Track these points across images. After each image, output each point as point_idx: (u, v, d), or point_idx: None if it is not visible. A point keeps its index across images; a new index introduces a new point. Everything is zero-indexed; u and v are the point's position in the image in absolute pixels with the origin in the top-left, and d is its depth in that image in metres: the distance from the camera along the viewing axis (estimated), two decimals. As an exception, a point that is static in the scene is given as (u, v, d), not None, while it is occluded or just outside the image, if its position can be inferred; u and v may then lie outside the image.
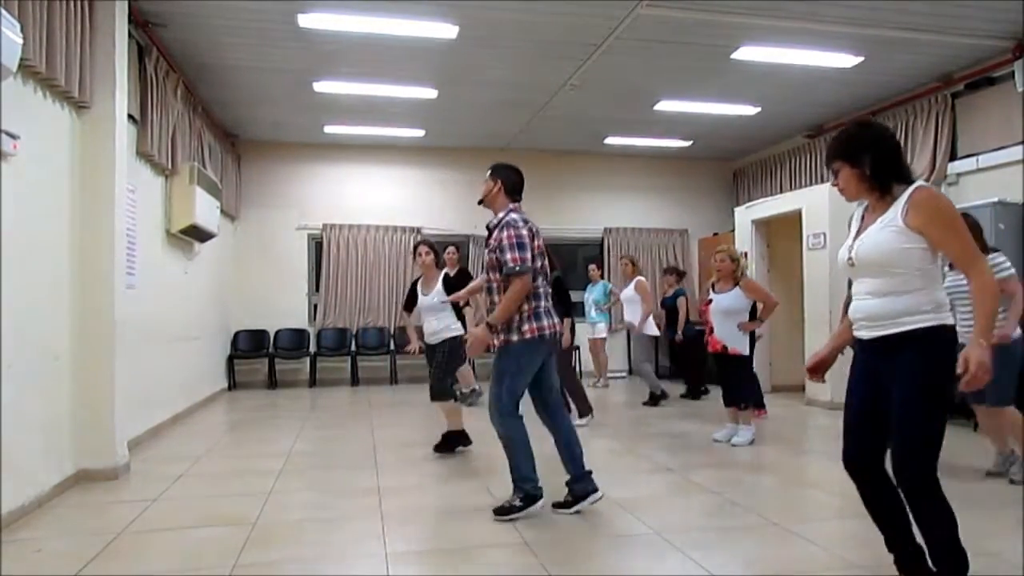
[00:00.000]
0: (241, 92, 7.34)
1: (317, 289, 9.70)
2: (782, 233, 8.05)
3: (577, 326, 9.54)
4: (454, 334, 4.98)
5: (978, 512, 3.54)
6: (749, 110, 8.14)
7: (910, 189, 2.20)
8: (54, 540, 3.23)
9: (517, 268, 3.35)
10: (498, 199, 3.61)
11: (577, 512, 3.55)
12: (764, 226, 8.25)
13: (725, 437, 5.33)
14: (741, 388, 5.35)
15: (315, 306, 9.68)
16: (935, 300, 2.21)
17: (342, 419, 6.80)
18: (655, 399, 7.28)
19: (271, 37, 5.87)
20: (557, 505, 3.59)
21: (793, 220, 7.48)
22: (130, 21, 4.84)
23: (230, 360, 9.08)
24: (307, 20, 5.49)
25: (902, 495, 2.26)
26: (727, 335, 5.29)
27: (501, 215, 3.55)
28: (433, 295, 5.01)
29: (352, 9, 5.38)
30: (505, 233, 3.42)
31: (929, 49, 6.25)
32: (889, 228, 2.20)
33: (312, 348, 9.45)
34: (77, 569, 2.85)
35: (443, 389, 4.97)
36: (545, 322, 3.50)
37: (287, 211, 9.62)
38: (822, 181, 8.35)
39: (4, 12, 3.09)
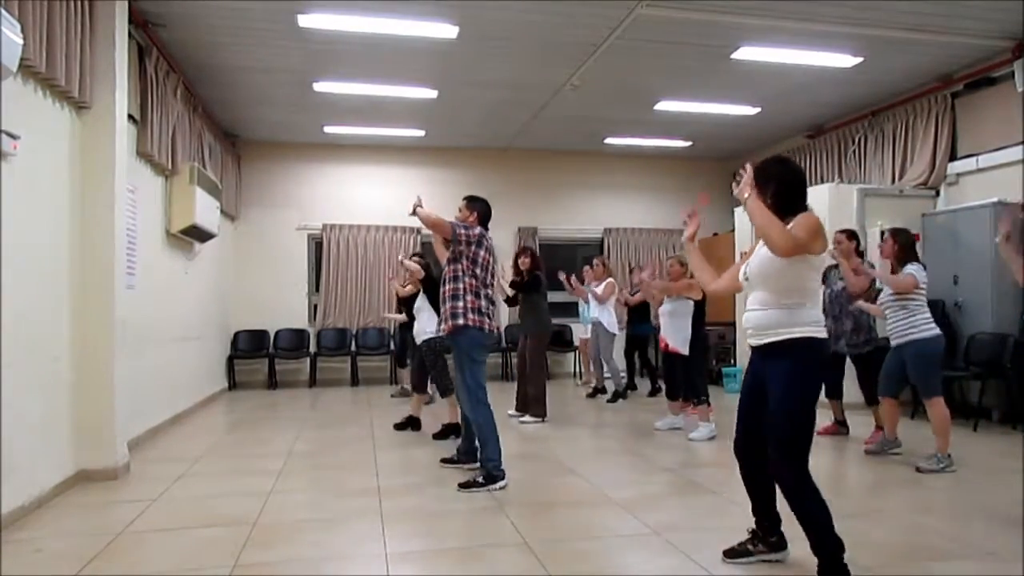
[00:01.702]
0: (241, 92, 7.34)
1: (317, 289, 9.71)
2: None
3: (572, 326, 9.79)
4: (428, 336, 5.59)
5: (982, 512, 3.55)
6: (749, 110, 8.14)
7: (799, 216, 2.59)
8: (54, 540, 3.23)
9: (451, 224, 4.12)
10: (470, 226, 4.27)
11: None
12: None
13: (665, 426, 5.90)
14: (684, 384, 5.75)
15: (315, 306, 9.68)
16: (810, 316, 2.58)
17: (342, 419, 6.80)
18: (603, 391, 7.90)
19: (271, 37, 5.87)
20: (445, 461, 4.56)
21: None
22: (130, 21, 4.84)
23: (230, 360, 9.08)
24: (307, 20, 5.49)
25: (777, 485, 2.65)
26: (670, 335, 5.70)
27: None
28: (420, 298, 5.82)
29: (352, 9, 5.38)
30: (469, 229, 4.19)
31: (929, 49, 6.25)
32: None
33: (312, 348, 9.45)
34: (77, 569, 2.85)
35: (446, 386, 5.53)
36: (486, 320, 4.18)
37: (287, 211, 9.63)
38: (822, 181, 8.36)
39: (4, 12, 3.10)
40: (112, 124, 4.45)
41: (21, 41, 3.27)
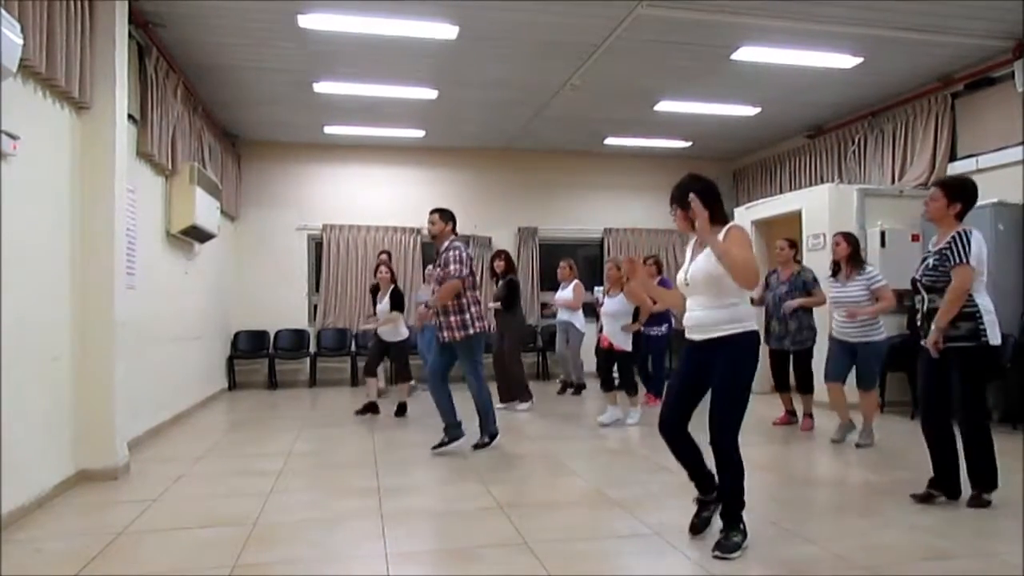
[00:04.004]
0: (241, 92, 7.34)
1: (317, 289, 9.70)
2: (782, 233, 8.02)
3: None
4: (402, 337, 6.80)
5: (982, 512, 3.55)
6: (749, 110, 8.14)
7: (727, 227, 3.00)
8: (54, 540, 3.23)
9: (455, 275, 4.90)
10: (447, 236, 5.06)
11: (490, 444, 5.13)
12: (764, 226, 8.23)
13: (609, 420, 6.14)
14: (627, 378, 6.16)
15: (315, 306, 9.68)
16: (746, 313, 2.98)
17: (342, 419, 6.79)
18: (576, 387, 8.22)
19: (271, 37, 5.87)
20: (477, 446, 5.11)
21: (793, 220, 7.48)
22: (130, 21, 4.84)
23: (230, 360, 9.08)
24: (307, 20, 5.49)
25: (713, 452, 2.99)
26: (613, 334, 6.10)
27: (447, 243, 5.02)
28: (383, 304, 6.77)
29: (352, 9, 5.38)
30: (452, 254, 4.95)
31: (929, 49, 6.25)
32: (712, 257, 2.91)
33: (312, 348, 9.45)
34: (77, 569, 2.85)
35: (406, 375, 6.93)
36: (486, 323, 5.12)
37: (287, 211, 9.62)
38: (822, 181, 8.36)
39: (4, 12, 3.09)
40: (112, 124, 4.45)
41: (21, 41, 3.27)
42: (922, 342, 3.66)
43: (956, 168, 6.89)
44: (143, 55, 5.50)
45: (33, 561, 2.98)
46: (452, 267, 4.88)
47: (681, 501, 3.87)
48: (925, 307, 3.64)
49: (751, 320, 2.99)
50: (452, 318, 4.91)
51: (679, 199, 3.08)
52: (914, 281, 3.72)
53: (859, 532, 3.29)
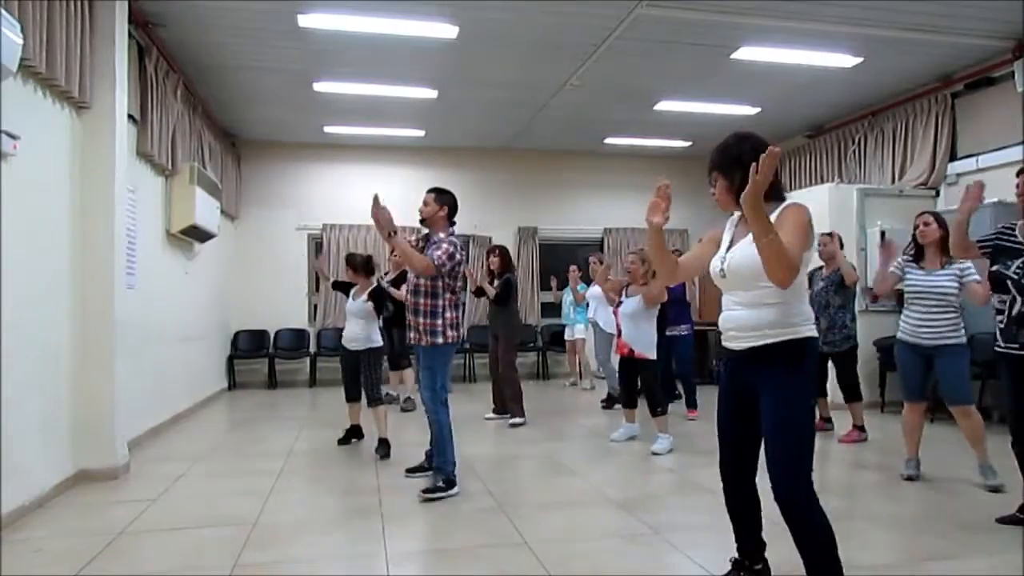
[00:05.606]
0: (241, 92, 7.34)
1: (317, 289, 9.70)
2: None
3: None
4: (375, 345, 5.33)
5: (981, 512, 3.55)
6: (749, 110, 8.13)
7: (782, 205, 2.24)
8: (54, 540, 3.23)
9: (436, 261, 3.94)
10: (440, 221, 4.16)
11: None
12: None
13: (622, 437, 5.40)
14: (652, 394, 5.18)
15: (315, 306, 9.68)
16: (802, 313, 2.24)
17: (342, 419, 6.78)
18: (613, 401, 7.06)
19: (271, 37, 5.87)
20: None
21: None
22: (130, 21, 4.84)
23: (230, 360, 9.08)
24: (307, 20, 5.49)
25: (782, 513, 2.23)
26: (634, 338, 5.14)
27: (442, 235, 4.11)
28: (359, 300, 5.33)
29: (352, 9, 5.38)
30: (444, 245, 4.03)
31: (929, 49, 6.25)
32: None
33: (312, 348, 9.46)
34: (77, 569, 2.85)
35: (377, 396, 5.26)
36: (460, 332, 4.16)
37: (287, 211, 9.62)
38: (822, 181, 8.36)
39: (4, 12, 3.10)
40: (112, 124, 4.46)
41: (21, 41, 3.27)
42: (999, 348, 3.34)
43: (956, 168, 6.90)
44: (143, 55, 5.50)
45: (33, 561, 2.98)
46: (440, 251, 3.97)
47: (681, 500, 3.89)
48: (1016, 309, 3.23)
49: (809, 323, 2.26)
50: (422, 320, 4.02)
51: (721, 164, 2.31)
52: (1003, 279, 3.29)
53: (859, 533, 3.29)
